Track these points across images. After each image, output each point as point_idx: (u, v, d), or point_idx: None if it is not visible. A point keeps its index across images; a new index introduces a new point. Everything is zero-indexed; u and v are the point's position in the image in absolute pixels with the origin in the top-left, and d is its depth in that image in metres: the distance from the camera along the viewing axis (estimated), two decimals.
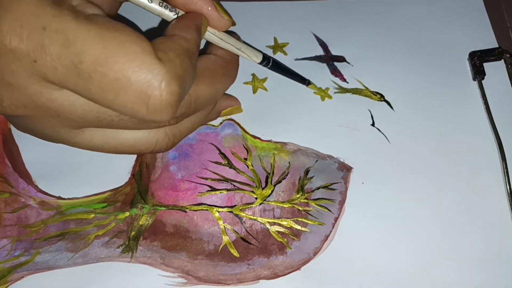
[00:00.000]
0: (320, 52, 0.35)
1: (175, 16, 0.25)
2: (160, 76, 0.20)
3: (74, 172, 0.31)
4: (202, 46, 0.31)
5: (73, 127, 0.23)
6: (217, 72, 0.26)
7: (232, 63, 0.28)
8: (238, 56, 0.28)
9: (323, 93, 0.33)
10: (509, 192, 0.30)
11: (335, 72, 0.34)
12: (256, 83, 0.34)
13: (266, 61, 0.30)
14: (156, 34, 0.30)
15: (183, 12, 0.25)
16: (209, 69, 0.26)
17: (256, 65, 0.30)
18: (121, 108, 0.21)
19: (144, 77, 0.20)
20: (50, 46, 0.19)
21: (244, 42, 0.29)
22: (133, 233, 0.28)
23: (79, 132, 0.24)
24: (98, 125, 0.23)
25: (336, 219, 0.29)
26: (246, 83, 0.34)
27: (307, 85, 0.33)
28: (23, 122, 0.24)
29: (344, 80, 0.34)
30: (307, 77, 0.33)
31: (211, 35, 0.26)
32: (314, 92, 0.33)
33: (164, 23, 0.34)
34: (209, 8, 0.25)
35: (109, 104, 0.21)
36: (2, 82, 0.21)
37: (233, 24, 0.26)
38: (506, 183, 0.30)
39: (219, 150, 0.31)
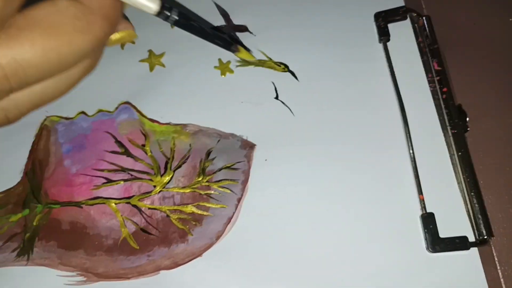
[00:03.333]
0: (221, 22, 0.33)
1: None
2: None
3: None
4: None
5: None
6: (63, 27, 0.18)
7: (98, 12, 0.19)
8: (116, 4, 0.19)
9: (224, 67, 0.32)
10: (412, 156, 0.30)
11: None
12: (153, 59, 0.32)
13: (168, 11, 0.21)
14: None
15: None
16: (48, 23, 0.17)
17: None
18: None
19: None
20: None
21: None
22: (27, 234, 0.28)
23: None
24: None
25: (239, 200, 0.29)
26: (142, 60, 0.32)
27: (234, 52, 0.26)
28: None
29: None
30: (210, 51, 0.31)
31: None
32: (214, 67, 0.32)
33: None
34: None
35: None
36: None
37: None
38: (409, 148, 0.30)
39: (115, 138, 0.30)
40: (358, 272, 0.27)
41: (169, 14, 0.21)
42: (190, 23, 0.23)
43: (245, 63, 0.32)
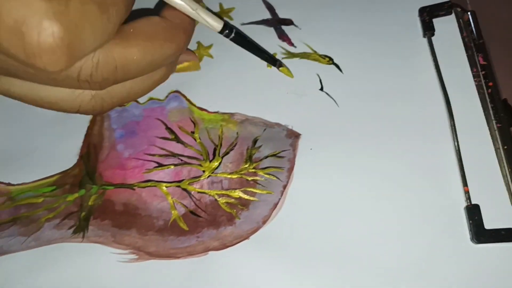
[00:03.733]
0: (267, 15, 0.34)
1: None
2: (40, 13, 0.17)
3: (22, 159, 0.31)
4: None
5: None
6: (156, 37, 0.23)
7: (179, 28, 0.24)
8: (192, 22, 0.25)
9: None
10: (457, 149, 0.30)
11: (283, 36, 0.34)
12: (201, 50, 0.33)
13: (228, 30, 0.27)
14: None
15: None
16: (147, 32, 0.22)
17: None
18: (5, 52, 0.18)
19: (18, 11, 0.17)
20: None
21: (207, 9, 0.26)
22: (83, 213, 0.29)
23: None
24: (9, 74, 0.21)
25: (284, 187, 0.30)
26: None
27: (278, 68, 0.30)
28: None
29: (292, 44, 0.33)
30: (257, 42, 0.32)
31: None
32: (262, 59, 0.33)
33: None
34: None
35: None
36: None
37: None
38: (454, 141, 0.30)
39: (166, 125, 0.31)
40: (402, 263, 0.28)
41: (228, 32, 0.27)
42: (245, 40, 0.29)
43: (290, 55, 0.33)
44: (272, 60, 0.30)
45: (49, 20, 0.17)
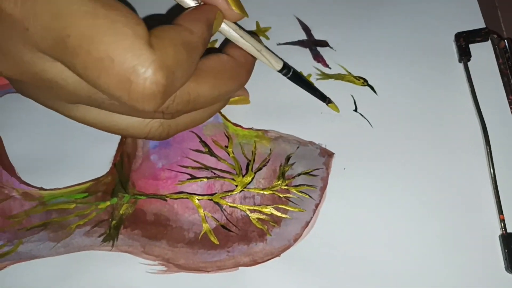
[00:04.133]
0: (303, 36, 0.35)
1: (196, 4, 0.24)
2: (147, 63, 0.19)
3: (56, 164, 0.31)
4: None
5: (67, 101, 0.23)
6: (224, 74, 0.25)
7: (244, 67, 0.26)
8: (253, 60, 0.27)
9: None
10: (492, 176, 0.29)
11: (318, 57, 0.34)
12: None
13: (286, 70, 0.29)
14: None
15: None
16: (216, 69, 0.24)
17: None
18: (105, 90, 0.20)
19: (129, 62, 0.19)
20: (41, 15, 0.19)
21: (265, 47, 0.27)
22: (114, 222, 0.29)
23: (73, 106, 0.24)
24: (91, 104, 0.23)
25: (317, 206, 0.29)
26: None
27: (327, 104, 0.31)
28: (22, 86, 0.24)
29: (327, 65, 0.34)
30: (289, 63, 0.32)
31: (231, 31, 0.25)
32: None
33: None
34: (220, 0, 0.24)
35: (93, 84, 0.20)
36: (1, 48, 0.21)
37: (245, 15, 0.25)
38: (490, 167, 0.30)
39: (200, 138, 0.31)
40: None
41: (286, 71, 0.29)
42: (300, 78, 0.30)
43: (325, 76, 0.33)
44: (322, 97, 0.31)
45: (155, 70, 0.19)
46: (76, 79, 0.21)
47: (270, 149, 0.31)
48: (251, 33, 0.27)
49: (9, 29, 0.20)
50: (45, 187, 0.30)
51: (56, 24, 0.19)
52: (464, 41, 0.33)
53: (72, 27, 0.19)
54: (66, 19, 0.19)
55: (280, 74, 0.30)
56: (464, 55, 0.32)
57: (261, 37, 0.34)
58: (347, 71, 0.33)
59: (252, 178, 0.30)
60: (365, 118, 0.32)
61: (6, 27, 0.20)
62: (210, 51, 0.26)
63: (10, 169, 0.31)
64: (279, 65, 0.28)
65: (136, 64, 0.19)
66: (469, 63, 0.32)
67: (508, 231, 0.28)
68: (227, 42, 0.27)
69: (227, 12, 0.24)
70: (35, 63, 0.21)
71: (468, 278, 0.27)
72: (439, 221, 0.29)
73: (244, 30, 0.26)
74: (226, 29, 0.25)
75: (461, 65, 0.33)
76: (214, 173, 0.30)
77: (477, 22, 0.34)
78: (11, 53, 0.21)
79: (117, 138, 0.31)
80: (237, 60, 0.26)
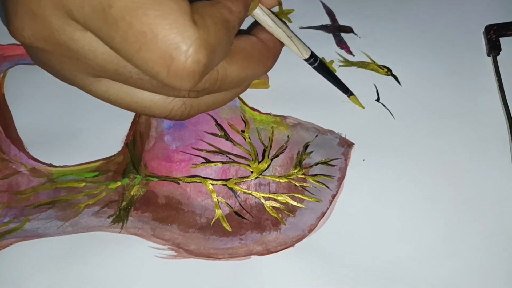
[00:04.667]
0: (326, 21, 0.34)
1: None
2: (190, 41, 0.19)
3: (66, 140, 0.30)
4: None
5: (91, 74, 0.22)
6: (253, 57, 0.24)
7: (272, 51, 0.26)
8: (281, 46, 0.27)
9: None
10: None
11: (341, 43, 0.33)
12: None
13: (313, 59, 0.28)
14: None
15: None
16: (246, 51, 0.24)
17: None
18: (142, 65, 0.20)
19: (172, 38, 0.19)
20: None
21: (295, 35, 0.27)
22: (124, 203, 0.28)
23: (96, 80, 0.23)
24: (116, 79, 0.22)
25: (333, 196, 0.28)
26: None
27: (348, 96, 0.31)
28: (42, 57, 0.23)
29: (350, 52, 0.32)
30: (311, 47, 0.31)
31: (265, 15, 0.25)
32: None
33: None
34: None
35: (130, 58, 0.20)
36: (27, 11, 0.20)
37: (280, 3, 0.25)
38: None
39: (216, 121, 0.30)
40: (452, 285, 0.26)
41: (312, 60, 0.28)
42: (326, 68, 0.30)
43: (348, 63, 0.32)
44: (345, 90, 0.30)
45: (197, 48, 0.19)
46: (105, 50, 0.20)
47: (288, 136, 0.30)
48: (280, 19, 0.26)
49: None
50: (54, 164, 0.29)
51: None
52: (495, 34, 0.31)
53: None
54: None
55: (301, 60, 0.29)
56: (494, 49, 0.31)
57: (284, 20, 0.33)
58: (371, 59, 0.32)
59: (268, 165, 0.29)
60: (387, 108, 0.31)
61: None
62: (238, 32, 0.25)
63: (19, 144, 0.30)
64: (307, 54, 0.28)
65: (180, 41, 0.19)
66: (498, 57, 0.31)
67: None
68: (255, 25, 0.26)
69: None
70: (64, 30, 0.20)
71: (494, 276, 0.26)
72: (459, 218, 0.28)
73: (274, 14, 0.26)
74: (260, 12, 0.25)
75: (489, 59, 0.32)
76: (230, 158, 0.29)
77: (509, 14, 0.33)
78: (39, 16, 0.20)
79: (130, 116, 0.30)
80: (266, 44, 0.25)
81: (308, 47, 0.28)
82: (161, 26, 0.18)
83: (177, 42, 0.19)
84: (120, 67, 0.21)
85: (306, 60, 0.28)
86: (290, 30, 0.27)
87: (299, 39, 0.27)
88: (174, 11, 0.19)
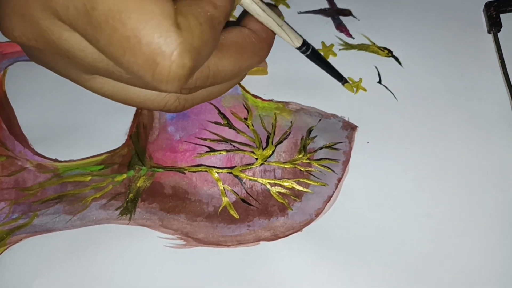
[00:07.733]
0: (325, 4, 0.33)
1: None
2: (174, 45, 0.19)
3: (70, 135, 0.30)
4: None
5: (84, 72, 0.22)
6: (246, 49, 0.24)
7: (265, 41, 0.25)
8: (274, 35, 0.26)
9: (327, 50, 0.32)
10: None
11: (340, 27, 0.33)
12: None
13: (306, 47, 0.28)
14: None
15: None
16: (238, 44, 0.24)
17: None
18: (128, 68, 0.20)
19: (156, 43, 0.18)
20: None
21: (286, 23, 0.26)
22: (131, 195, 0.28)
23: (90, 77, 0.23)
24: (108, 76, 0.22)
25: (339, 180, 0.28)
26: None
27: (343, 84, 0.30)
28: (36, 54, 0.23)
29: (350, 35, 0.32)
30: (310, 32, 0.31)
31: (253, 4, 0.24)
32: (318, 49, 0.32)
33: None
34: None
35: (116, 60, 0.20)
36: (16, 11, 0.20)
37: None
38: None
39: (218, 110, 0.30)
40: (460, 267, 0.26)
41: (305, 49, 0.28)
42: (319, 56, 0.29)
43: (348, 46, 0.32)
44: (339, 77, 0.30)
45: (181, 53, 0.19)
46: (94, 50, 0.20)
47: (291, 122, 0.30)
48: (271, 5, 0.26)
49: None
50: (59, 159, 0.29)
51: None
52: (495, 11, 0.31)
53: (99, 0, 0.18)
54: None
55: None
56: (495, 26, 0.31)
57: (281, 5, 0.33)
58: (371, 41, 0.32)
59: (273, 151, 0.29)
60: (389, 90, 0.31)
61: None
62: (228, 23, 0.24)
63: (23, 140, 0.30)
64: (299, 42, 0.27)
65: (163, 46, 0.18)
66: (499, 34, 0.31)
67: None
68: (245, 14, 0.26)
69: None
70: (52, 31, 0.20)
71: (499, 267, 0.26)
72: (464, 197, 0.28)
73: (264, 2, 0.25)
74: (248, 1, 0.24)
75: (490, 36, 0.32)
76: (234, 146, 0.29)
77: None
78: (27, 17, 0.20)
79: (132, 109, 0.30)
80: (258, 34, 0.25)
81: (300, 35, 0.27)
82: (144, 30, 0.18)
83: (161, 47, 0.18)
84: (110, 67, 0.21)
85: (298, 48, 0.28)
86: (280, 18, 0.26)
87: (291, 27, 0.27)
88: (157, 15, 0.18)
